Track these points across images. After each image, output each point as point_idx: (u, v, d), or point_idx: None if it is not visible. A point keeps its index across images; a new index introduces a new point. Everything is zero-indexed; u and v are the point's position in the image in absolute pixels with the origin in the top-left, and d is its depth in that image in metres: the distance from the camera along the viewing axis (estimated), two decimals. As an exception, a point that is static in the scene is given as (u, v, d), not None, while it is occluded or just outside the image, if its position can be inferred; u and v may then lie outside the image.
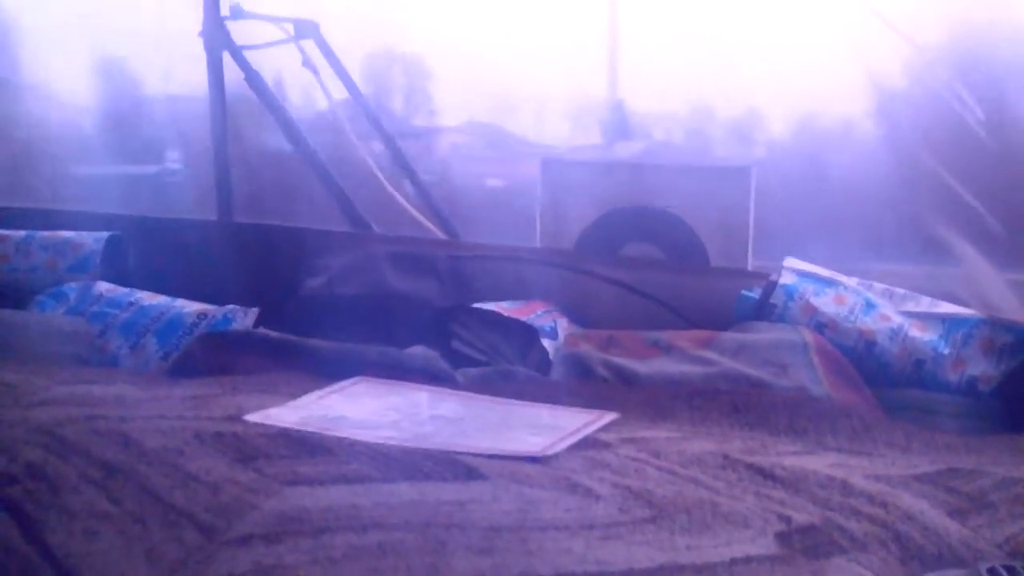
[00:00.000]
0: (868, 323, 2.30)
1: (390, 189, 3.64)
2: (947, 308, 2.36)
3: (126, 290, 2.48)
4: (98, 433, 1.39)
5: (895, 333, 2.28)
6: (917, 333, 2.28)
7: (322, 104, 3.71)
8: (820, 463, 1.53)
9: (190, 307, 2.40)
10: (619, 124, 4.32)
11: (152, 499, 1.21)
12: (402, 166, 3.78)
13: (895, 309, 2.36)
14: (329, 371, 1.89)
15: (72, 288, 2.48)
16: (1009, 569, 1.19)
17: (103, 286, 2.50)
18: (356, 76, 3.66)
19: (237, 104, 3.30)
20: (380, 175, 3.60)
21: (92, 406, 1.58)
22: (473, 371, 2.07)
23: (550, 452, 1.49)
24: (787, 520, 1.28)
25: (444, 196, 3.66)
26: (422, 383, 1.88)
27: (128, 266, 2.89)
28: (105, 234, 2.90)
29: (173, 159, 4.81)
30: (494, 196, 4.74)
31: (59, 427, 1.40)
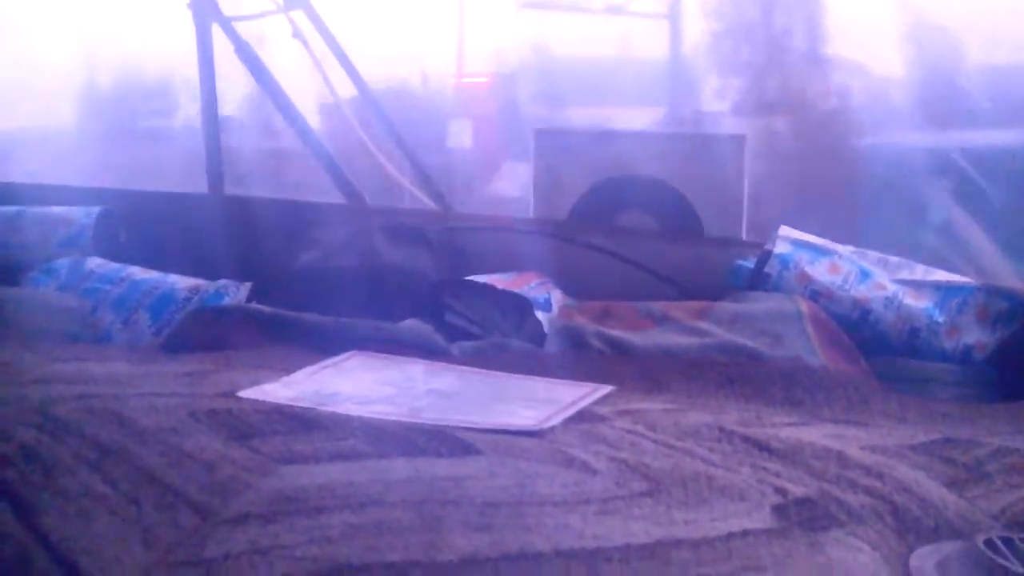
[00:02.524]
0: (863, 291, 2.30)
1: (382, 160, 3.63)
2: (942, 276, 2.35)
3: (118, 265, 2.47)
4: (91, 412, 1.38)
5: (890, 301, 2.28)
6: (912, 301, 2.28)
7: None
8: (816, 434, 1.53)
9: (182, 282, 2.38)
10: None
11: (147, 479, 1.20)
12: (393, 137, 3.76)
13: (890, 277, 2.35)
14: (323, 346, 1.89)
15: (63, 264, 2.46)
16: (1006, 540, 1.19)
17: (94, 261, 2.48)
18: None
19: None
20: (372, 146, 3.58)
21: (85, 384, 1.57)
22: (468, 344, 2.06)
23: (546, 426, 1.48)
24: (783, 493, 1.27)
25: None
26: (417, 357, 1.88)
27: (120, 241, 2.87)
28: (96, 209, 2.88)
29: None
30: None
31: (52, 406, 1.39)
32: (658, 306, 2.24)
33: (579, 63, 6.23)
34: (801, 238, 2.45)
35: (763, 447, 1.45)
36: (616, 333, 2.08)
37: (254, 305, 2.17)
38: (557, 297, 2.47)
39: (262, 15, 3.55)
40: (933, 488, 1.34)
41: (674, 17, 6.41)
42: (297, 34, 3.60)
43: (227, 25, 3.24)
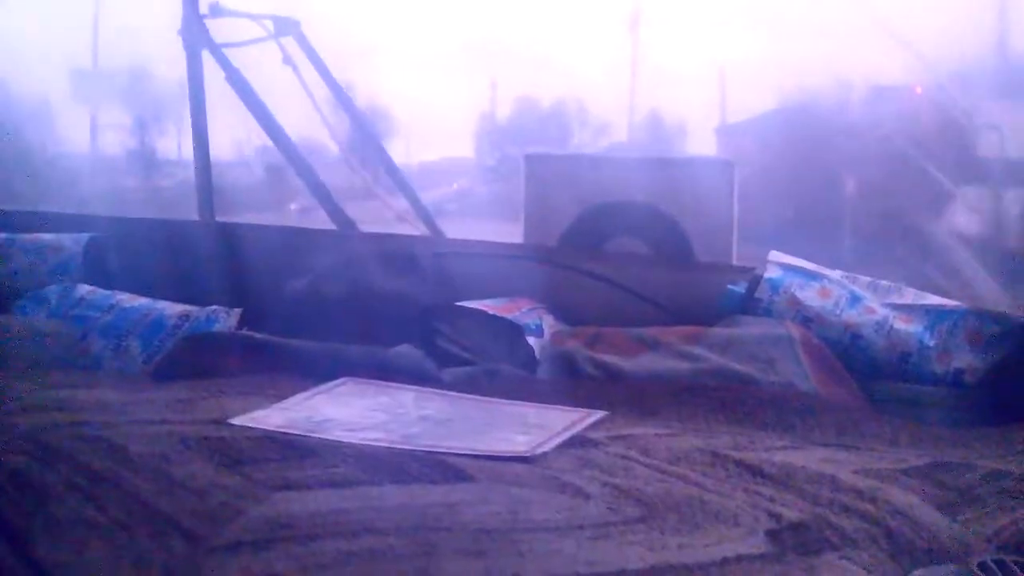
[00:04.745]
0: (853, 316, 2.30)
1: (373, 187, 3.63)
2: (932, 300, 2.36)
3: (107, 292, 2.45)
4: (83, 439, 1.38)
5: (880, 326, 2.28)
6: (902, 325, 2.28)
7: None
8: (809, 458, 1.53)
9: (172, 308, 2.37)
10: None
11: (138, 506, 1.19)
12: (384, 163, 3.76)
13: (880, 301, 2.36)
14: (314, 372, 1.88)
15: (53, 291, 2.45)
16: (999, 563, 1.19)
17: (84, 289, 2.47)
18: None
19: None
20: (364, 173, 3.59)
21: (76, 411, 1.56)
22: (459, 370, 2.06)
23: (538, 451, 1.48)
24: (777, 517, 1.27)
25: None
26: (408, 383, 1.87)
27: (109, 268, 2.86)
28: (85, 236, 2.88)
29: None
30: None
31: (43, 433, 1.39)
32: (650, 331, 2.24)
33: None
34: (791, 263, 2.45)
35: (756, 471, 1.45)
36: (608, 358, 2.08)
37: (245, 331, 2.17)
38: (548, 323, 2.47)
39: (253, 42, 3.56)
40: (926, 511, 1.34)
41: None
42: (287, 60, 3.62)
43: (217, 52, 3.25)
